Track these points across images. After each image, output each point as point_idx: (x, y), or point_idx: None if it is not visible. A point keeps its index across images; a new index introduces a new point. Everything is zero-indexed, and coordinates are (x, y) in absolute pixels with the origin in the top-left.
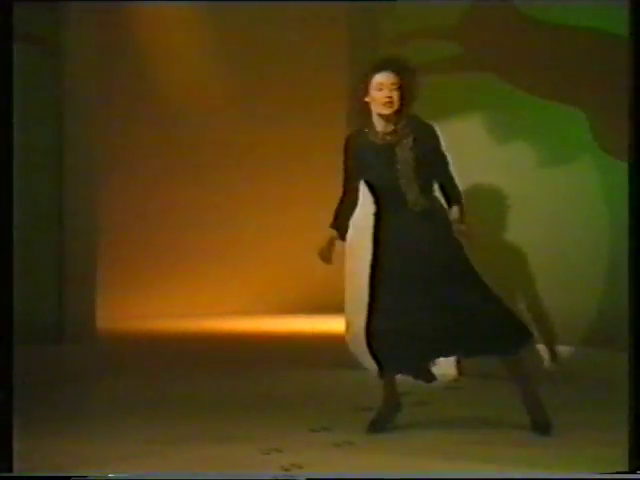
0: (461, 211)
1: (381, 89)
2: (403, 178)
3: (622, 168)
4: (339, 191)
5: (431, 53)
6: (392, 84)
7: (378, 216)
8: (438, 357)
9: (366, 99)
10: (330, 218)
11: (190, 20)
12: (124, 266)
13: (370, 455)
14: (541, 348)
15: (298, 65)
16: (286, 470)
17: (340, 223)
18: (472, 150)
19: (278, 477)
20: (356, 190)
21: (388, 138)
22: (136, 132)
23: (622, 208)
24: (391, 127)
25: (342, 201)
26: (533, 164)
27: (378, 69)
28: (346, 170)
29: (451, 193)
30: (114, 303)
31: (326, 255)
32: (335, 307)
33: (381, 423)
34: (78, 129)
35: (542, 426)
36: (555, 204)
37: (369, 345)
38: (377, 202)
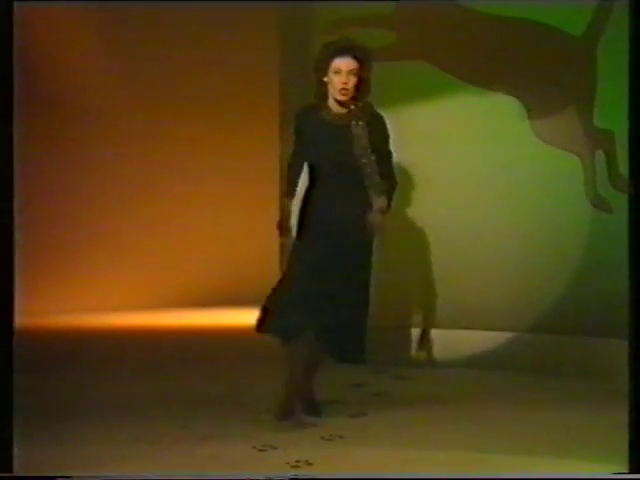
0: (387, 204)
1: (338, 73)
2: (364, 158)
3: (558, 156)
4: (250, 191)
5: (366, 41)
6: (350, 70)
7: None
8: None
9: (324, 79)
10: (238, 217)
11: (103, 19)
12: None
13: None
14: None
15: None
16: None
17: (292, 190)
18: (406, 139)
19: (277, 477)
20: (300, 166)
21: (340, 120)
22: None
23: (558, 195)
24: (344, 110)
25: (289, 172)
26: (468, 151)
27: (339, 53)
28: (295, 144)
29: (386, 185)
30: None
31: (285, 226)
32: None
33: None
34: None
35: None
36: (489, 191)
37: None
38: (313, 177)
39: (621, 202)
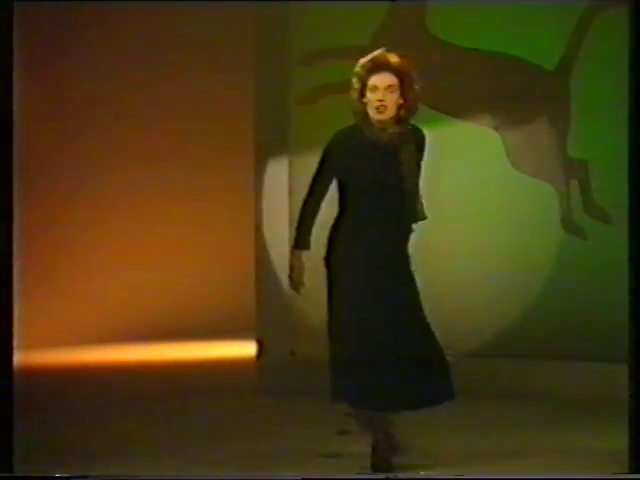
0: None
1: (374, 91)
2: (409, 183)
3: (534, 184)
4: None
5: (341, 74)
6: (388, 87)
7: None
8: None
9: (363, 100)
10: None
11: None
12: None
13: None
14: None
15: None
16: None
17: (305, 238)
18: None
19: (280, 477)
20: (322, 194)
21: (389, 139)
22: None
23: (533, 222)
24: (390, 130)
25: (306, 204)
26: (447, 179)
27: (375, 69)
28: (321, 169)
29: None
30: None
31: (298, 281)
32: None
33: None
34: None
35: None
36: (467, 218)
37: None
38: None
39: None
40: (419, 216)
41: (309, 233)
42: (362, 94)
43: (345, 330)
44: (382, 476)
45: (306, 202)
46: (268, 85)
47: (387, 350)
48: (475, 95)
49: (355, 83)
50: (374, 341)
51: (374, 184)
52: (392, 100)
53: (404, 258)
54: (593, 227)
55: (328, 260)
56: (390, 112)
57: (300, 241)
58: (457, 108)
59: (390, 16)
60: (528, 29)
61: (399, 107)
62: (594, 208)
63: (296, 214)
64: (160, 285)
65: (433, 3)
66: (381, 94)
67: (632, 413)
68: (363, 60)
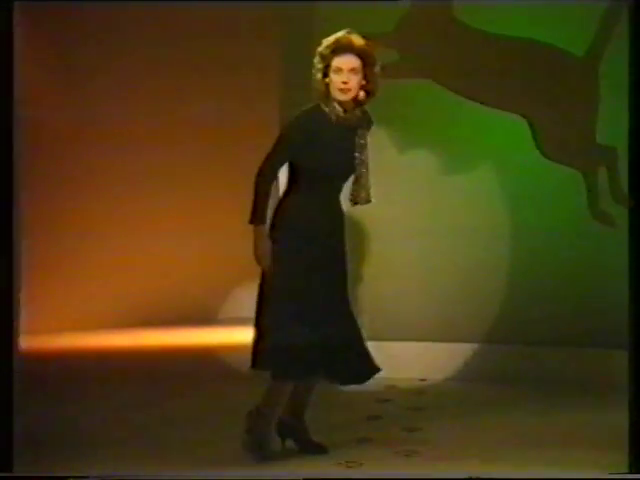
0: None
1: (339, 72)
2: (363, 169)
3: (566, 173)
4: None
5: None
6: (352, 69)
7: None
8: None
9: (326, 80)
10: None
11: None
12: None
13: None
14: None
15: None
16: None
17: (261, 214)
18: (409, 156)
19: (280, 477)
20: (276, 172)
21: (345, 122)
22: None
23: (566, 210)
24: (347, 113)
25: (259, 183)
26: (472, 169)
27: (339, 51)
28: (279, 148)
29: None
30: None
31: (267, 255)
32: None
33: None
34: None
35: (317, 448)
36: (497, 208)
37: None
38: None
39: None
40: (367, 199)
41: (265, 209)
42: (324, 74)
43: (275, 298)
44: (384, 475)
45: (259, 180)
46: (295, 77)
47: (312, 322)
48: (504, 81)
49: (318, 63)
50: (299, 312)
51: (329, 165)
52: (355, 82)
53: (341, 239)
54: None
55: (270, 237)
56: (353, 93)
57: (257, 216)
58: (486, 95)
59: (416, 3)
60: (558, 14)
61: (360, 89)
62: (623, 195)
63: None
64: (164, 272)
65: None
66: (345, 76)
67: (632, 413)
68: (327, 41)
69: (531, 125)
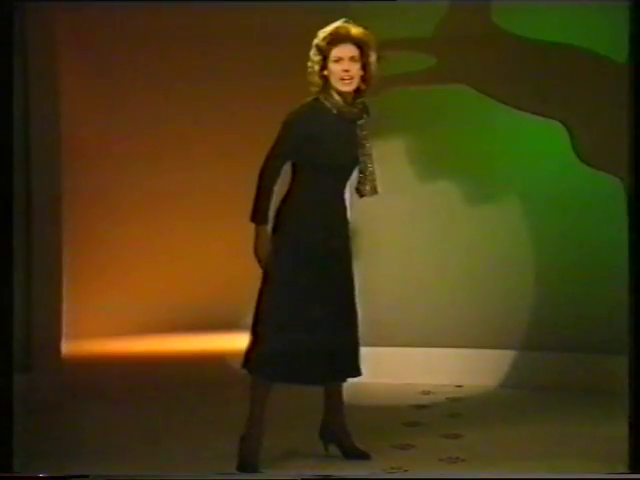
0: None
1: (339, 62)
2: (368, 161)
3: (604, 179)
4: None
5: (404, 65)
6: (352, 57)
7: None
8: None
9: (324, 72)
10: None
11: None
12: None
13: None
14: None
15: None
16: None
17: (263, 214)
18: (444, 159)
19: (277, 477)
20: (279, 169)
21: (347, 114)
22: None
23: (602, 214)
24: (349, 105)
25: (262, 179)
26: (509, 174)
27: (337, 41)
28: (280, 144)
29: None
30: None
31: (267, 256)
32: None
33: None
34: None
35: (360, 454)
36: (534, 214)
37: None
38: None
39: None
40: (373, 190)
41: (267, 208)
42: (322, 67)
43: (273, 300)
44: (381, 475)
45: (262, 178)
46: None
47: (307, 325)
48: (542, 88)
49: (315, 55)
50: (296, 313)
51: (332, 160)
52: (356, 70)
53: (346, 236)
54: None
55: (273, 235)
56: (355, 83)
57: (259, 216)
58: (524, 101)
59: (454, 7)
60: (595, 20)
61: (360, 79)
62: None
63: None
64: (203, 278)
65: None
66: (347, 64)
67: (632, 414)
68: (323, 32)
69: (569, 131)
